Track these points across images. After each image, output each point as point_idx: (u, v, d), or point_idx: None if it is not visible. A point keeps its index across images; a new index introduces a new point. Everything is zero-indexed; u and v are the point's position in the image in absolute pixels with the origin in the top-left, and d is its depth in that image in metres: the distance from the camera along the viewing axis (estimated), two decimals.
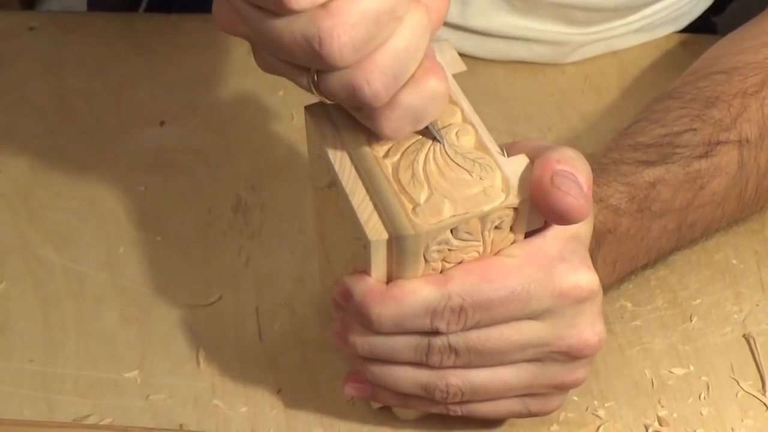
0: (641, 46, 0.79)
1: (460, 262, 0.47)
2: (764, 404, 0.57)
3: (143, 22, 0.82)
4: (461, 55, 0.50)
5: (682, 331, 0.61)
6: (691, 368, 0.59)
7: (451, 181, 0.46)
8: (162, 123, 0.73)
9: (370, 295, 0.47)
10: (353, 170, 0.47)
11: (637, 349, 0.60)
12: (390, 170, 0.47)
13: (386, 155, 0.47)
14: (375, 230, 0.45)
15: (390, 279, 0.47)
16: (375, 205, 0.46)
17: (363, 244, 0.46)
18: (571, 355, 0.49)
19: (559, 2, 0.73)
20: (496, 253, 0.47)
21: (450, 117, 0.49)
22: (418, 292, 0.46)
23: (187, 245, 0.66)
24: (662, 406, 0.57)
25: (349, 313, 0.48)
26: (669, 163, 0.58)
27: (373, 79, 0.42)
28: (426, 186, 0.46)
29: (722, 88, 0.61)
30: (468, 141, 0.48)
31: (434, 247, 0.46)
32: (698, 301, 0.62)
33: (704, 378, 0.59)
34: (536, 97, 0.76)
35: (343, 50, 0.40)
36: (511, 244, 0.48)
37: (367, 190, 0.46)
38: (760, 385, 0.58)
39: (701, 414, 0.57)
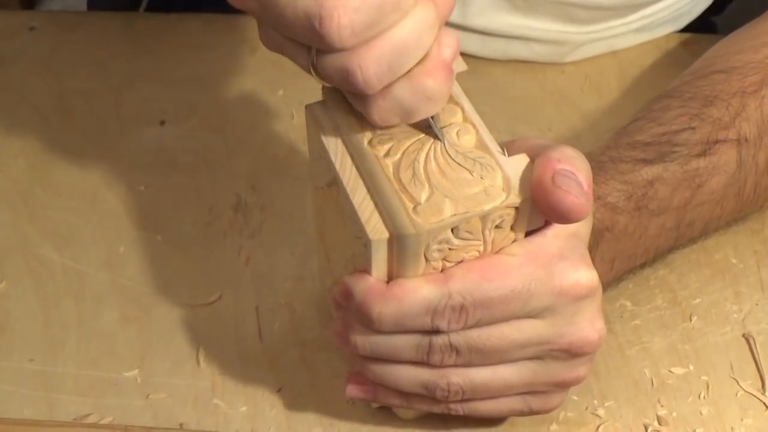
0: (641, 45, 0.79)
1: (461, 261, 0.47)
2: (764, 404, 0.57)
3: (143, 21, 0.82)
4: (461, 54, 0.51)
5: (682, 331, 0.61)
6: (691, 368, 0.59)
7: (452, 181, 0.46)
8: (162, 122, 0.73)
9: (371, 294, 0.46)
10: (354, 169, 0.47)
11: (636, 348, 0.60)
12: (391, 169, 0.47)
13: (387, 154, 0.47)
14: (376, 229, 0.45)
15: (390, 278, 0.47)
16: (376, 204, 0.46)
17: (364, 243, 0.46)
18: (571, 353, 0.49)
19: (559, 0, 0.73)
20: (497, 252, 0.47)
21: (451, 116, 0.49)
22: (418, 291, 0.46)
23: (187, 245, 0.66)
24: (662, 406, 0.57)
25: (350, 312, 0.48)
26: (667, 162, 0.58)
27: (367, 66, 0.42)
28: (427, 185, 0.46)
29: (721, 87, 0.61)
30: (469, 140, 0.48)
31: (435, 246, 0.46)
32: (698, 300, 0.62)
33: (704, 377, 0.59)
34: (536, 96, 0.76)
35: (341, 32, 0.40)
36: (512, 242, 0.48)
37: (368, 189, 0.46)
38: (760, 384, 0.58)
39: (701, 413, 0.57)
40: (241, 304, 0.62)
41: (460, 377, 0.49)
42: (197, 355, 0.60)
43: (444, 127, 0.48)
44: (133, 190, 0.69)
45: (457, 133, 0.48)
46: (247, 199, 0.68)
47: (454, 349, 0.48)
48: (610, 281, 0.60)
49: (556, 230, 0.48)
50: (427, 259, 0.46)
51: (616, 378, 0.58)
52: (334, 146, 0.48)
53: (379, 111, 0.45)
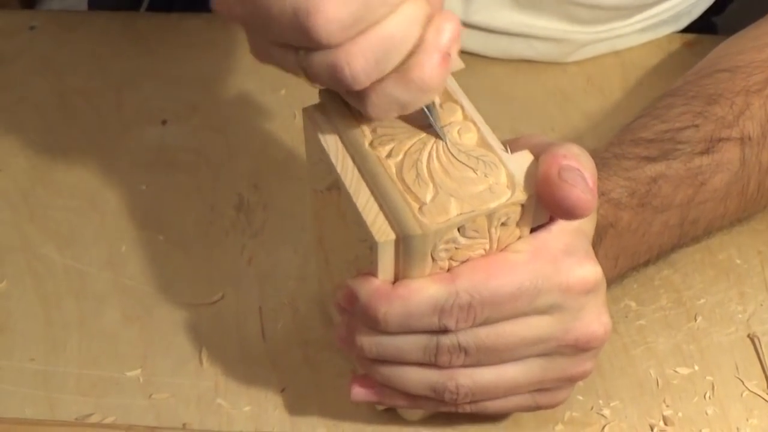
0: (643, 46, 0.79)
1: (467, 260, 0.47)
2: None
3: (144, 21, 0.82)
4: (462, 51, 0.50)
5: (687, 331, 0.61)
6: (696, 368, 0.59)
7: (456, 180, 0.46)
8: (164, 122, 0.73)
9: (377, 296, 0.46)
10: (356, 171, 0.47)
11: (641, 348, 0.60)
12: (394, 170, 0.46)
13: (389, 155, 0.47)
14: (382, 231, 0.45)
15: (396, 279, 0.47)
16: (380, 206, 0.46)
17: (369, 245, 0.46)
18: (578, 348, 0.49)
19: (564, 5, 0.73)
20: (502, 250, 0.47)
21: (450, 115, 0.48)
22: (425, 291, 0.46)
23: (189, 244, 0.65)
24: (667, 406, 0.57)
25: (355, 315, 0.48)
26: (670, 159, 0.58)
27: (354, 62, 0.42)
28: (431, 185, 0.46)
29: (725, 85, 0.61)
30: (470, 138, 0.48)
31: (442, 246, 0.45)
32: (702, 300, 0.62)
33: (709, 377, 0.58)
34: (539, 96, 0.76)
35: (328, 26, 0.40)
36: (517, 239, 0.47)
37: (372, 191, 0.46)
38: (765, 384, 0.58)
39: (706, 413, 0.57)
40: (243, 304, 0.62)
41: (468, 379, 0.49)
42: (200, 354, 0.60)
43: (445, 126, 0.48)
44: (135, 190, 0.69)
45: (459, 131, 0.48)
46: (249, 198, 0.68)
47: (462, 349, 0.47)
48: (614, 278, 0.59)
49: (561, 226, 0.48)
50: (433, 259, 0.46)
51: (622, 378, 0.58)
52: (335, 148, 0.48)
53: (374, 106, 0.44)
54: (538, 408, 0.52)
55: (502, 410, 0.52)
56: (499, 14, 0.74)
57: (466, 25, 0.75)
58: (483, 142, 0.47)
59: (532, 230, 0.48)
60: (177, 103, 0.75)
